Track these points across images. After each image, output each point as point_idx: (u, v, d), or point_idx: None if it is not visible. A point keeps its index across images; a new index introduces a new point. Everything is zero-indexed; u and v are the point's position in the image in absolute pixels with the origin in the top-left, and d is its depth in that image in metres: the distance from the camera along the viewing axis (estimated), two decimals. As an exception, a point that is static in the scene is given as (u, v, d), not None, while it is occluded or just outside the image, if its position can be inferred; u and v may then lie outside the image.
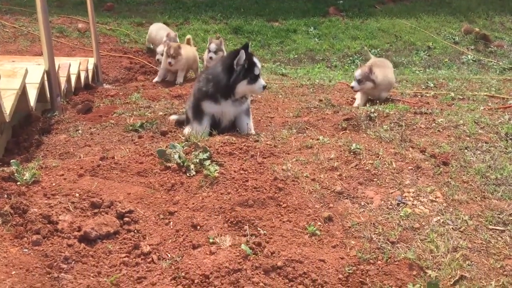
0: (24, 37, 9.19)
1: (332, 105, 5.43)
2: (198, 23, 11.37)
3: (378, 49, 10.63)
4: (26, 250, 2.23)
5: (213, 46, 7.40)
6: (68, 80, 5.79)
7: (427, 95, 6.31)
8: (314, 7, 12.76)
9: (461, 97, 6.06)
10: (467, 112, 4.59)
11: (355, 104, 5.80)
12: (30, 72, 4.40)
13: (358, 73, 5.81)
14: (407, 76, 8.26)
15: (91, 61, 7.22)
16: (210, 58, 7.35)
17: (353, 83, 5.80)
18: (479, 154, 3.49)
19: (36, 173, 2.79)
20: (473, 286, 2.29)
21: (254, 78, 3.91)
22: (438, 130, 3.89)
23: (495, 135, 3.79)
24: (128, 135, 4.21)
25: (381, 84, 5.76)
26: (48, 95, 4.94)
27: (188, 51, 7.59)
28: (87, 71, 6.69)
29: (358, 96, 5.96)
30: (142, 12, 11.76)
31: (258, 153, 3.32)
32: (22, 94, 4.17)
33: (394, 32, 11.49)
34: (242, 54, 3.83)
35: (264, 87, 4.03)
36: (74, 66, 6.12)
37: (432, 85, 7.08)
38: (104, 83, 7.66)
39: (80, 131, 4.31)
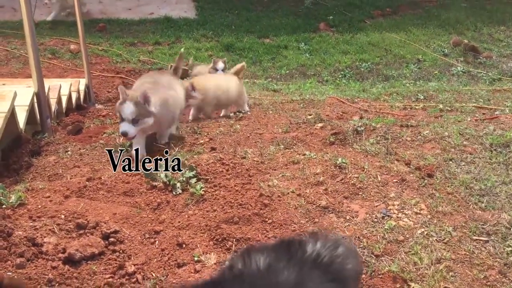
0: (17, 60, 9.22)
1: (321, 119, 5.46)
2: (190, 42, 11.46)
3: (368, 63, 10.72)
4: (10, 273, 2.23)
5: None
6: (59, 101, 5.81)
7: (416, 107, 6.36)
8: (305, 23, 12.90)
9: (450, 109, 6.11)
10: (454, 123, 4.63)
11: None
12: (20, 94, 4.43)
13: None
14: (397, 89, 8.32)
15: (83, 82, 7.23)
16: None
17: None
18: (463, 165, 3.52)
19: (22, 196, 2.81)
20: (456, 298, 2.30)
21: None
22: (424, 142, 3.93)
23: (479, 146, 3.83)
24: (117, 155, 4.22)
25: None
26: (38, 117, 4.97)
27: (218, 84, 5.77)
28: (78, 92, 6.70)
29: None
30: (134, 32, 11.85)
31: (245, 170, 3.35)
32: (11, 117, 4.19)
33: (384, 46, 11.61)
34: None
35: None
36: (64, 88, 6.15)
37: (422, 97, 7.13)
38: (96, 103, 7.68)
39: (69, 152, 4.32)
